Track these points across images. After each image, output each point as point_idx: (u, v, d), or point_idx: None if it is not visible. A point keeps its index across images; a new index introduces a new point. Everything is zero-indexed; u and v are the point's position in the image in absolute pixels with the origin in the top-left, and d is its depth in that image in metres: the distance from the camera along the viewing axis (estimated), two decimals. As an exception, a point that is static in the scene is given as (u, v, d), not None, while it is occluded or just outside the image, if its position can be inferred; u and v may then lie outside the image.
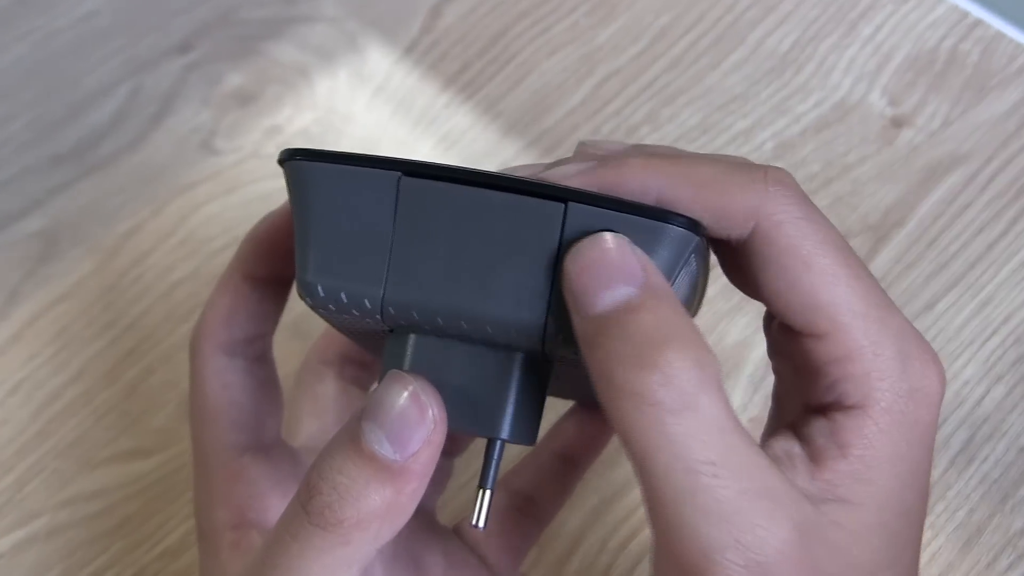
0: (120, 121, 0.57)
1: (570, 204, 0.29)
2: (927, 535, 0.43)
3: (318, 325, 0.40)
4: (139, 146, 0.56)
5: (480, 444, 0.47)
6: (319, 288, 0.30)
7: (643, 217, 0.29)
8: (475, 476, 0.47)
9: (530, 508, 0.42)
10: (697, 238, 0.30)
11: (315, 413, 0.42)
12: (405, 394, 0.29)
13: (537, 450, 0.43)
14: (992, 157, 0.52)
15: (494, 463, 0.32)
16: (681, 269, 0.30)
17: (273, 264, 0.38)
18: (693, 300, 0.36)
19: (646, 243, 0.29)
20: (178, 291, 0.52)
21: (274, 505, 0.37)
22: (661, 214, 0.29)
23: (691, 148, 0.53)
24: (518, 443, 0.32)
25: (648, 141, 0.54)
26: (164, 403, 0.49)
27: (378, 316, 0.30)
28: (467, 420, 0.31)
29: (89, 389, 0.50)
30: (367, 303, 0.30)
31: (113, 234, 0.53)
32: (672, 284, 0.30)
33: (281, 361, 0.40)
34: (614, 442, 0.47)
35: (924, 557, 0.43)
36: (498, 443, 0.31)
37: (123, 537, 0.46)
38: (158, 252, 0.53)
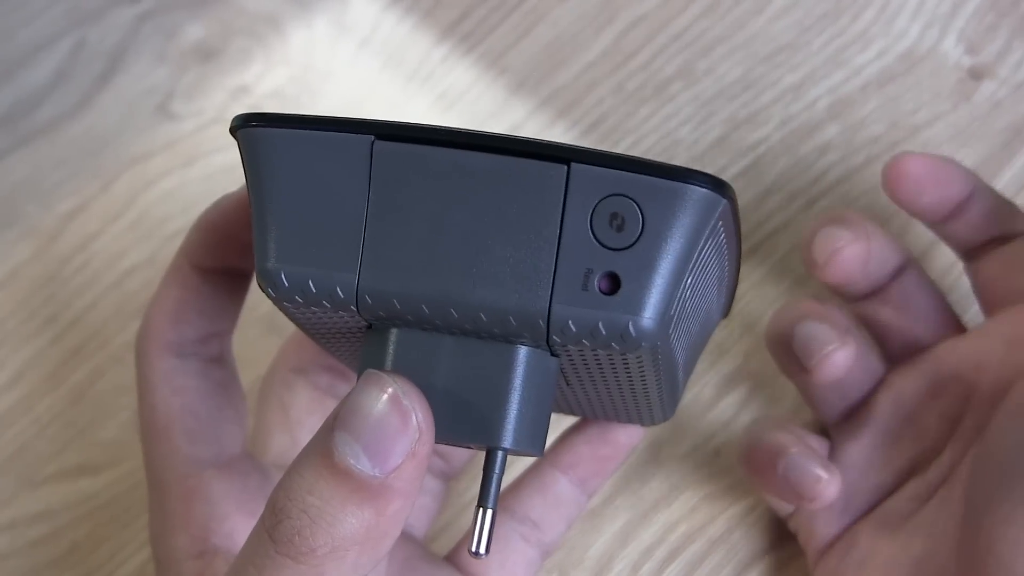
0: (61, 82, 0.57)
1: (573, 165, 0.29)
2: None
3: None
4: (83, 111, 0.56)
5: (478, 462, 0.48)
6: (282, 277, 0.30)
7: (658, 177, 0.29)
8: (474, 499, 0.48)
9: (533, 533, 0.43)
10: (724, 200, 0.30)
11: (286, 426, 0.43)
12: (384, 398, 0.29)
13: (538, 468, 0.44)
14: (1088, 113, 0.52)
15: (495, 478, 0.32)
16: (707, 240, 0.30)
17: (227, 255, 0.39)
18: (724, 277, 0.36)
19: (663, 208, 0.29)
20: (130, 281, 0.52)
21: (240, 527, 0.38)
22: (680, 172, 0.29)
23: (732, 106, 0.54)
24: (523, 454, 0.32)
25: (681, 99, 0.54)
26: (115, 411, 0.50)
27: (353, 307, 0.30)
28: (461, 429, 0.31)
29: (29, 395, 0.50)
30: (339, 292, 0.30)
31: (53, 215, 0.54)
32: (696, 258, 0.30)
33: (254, 361, 0.40)
34: (642, 455, 0.48)
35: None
36: (499, 454, 0.31)
37: (71, 567, 0.47)
38: (106, 235, 0.53)
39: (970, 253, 0.45)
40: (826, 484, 0.41)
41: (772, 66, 0.55)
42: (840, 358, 0.41)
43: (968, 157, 0.52)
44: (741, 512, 0.47)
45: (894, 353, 0.45)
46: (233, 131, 0.32)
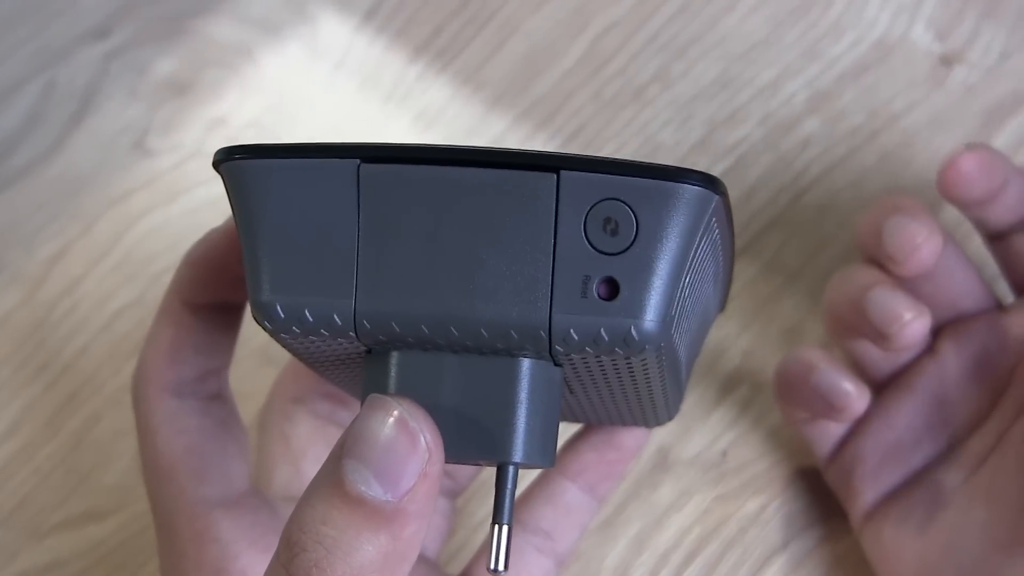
0: (33, 124, 0.57)
1: (562, 173, 0.29)
2: None
3: (291, 348, 0.41)
4: (58, 153, 0.56)
5: (483, 479, 0.48)
6: (278, 308, 0.30)
7: (649, 178, 0.29)
8: (490, 513, 0.48)
9: (547, 544, 0.43)
10: (716, 196, 0.29)
11: (288, 457, 0.42)
12: (390, 421, 0.29)
13: (546, 478, 0.44)
14: (1063, 92, 0.52)
15: (508, 493, 0.31)
16: (702, 237, 0.30)
17: (218, 289, 0.38)
18: (720, 273, 0.36)
19: (656, 209, 0.29)
20: (120, 322, 0.52)
21: (254, 565, 0.38)
22: (670, 172, 0.29)
23: (710, 107, 0.54)
24: (534, 466, 0.32)
25: (659, 102, 0.54)
26: (116, 455, 0.49)
27: (351, 333, 0.30)
28: (470, 447, 0.31)
29: (27, 444, 0.50)
30: (337, 319, 0.30)
31: (37, 260, 0.54)
32: (693, 256, 0.30)
33: (251, 395, 0.40)
34: (651, 460, 0.47)
35: None
36: (510, 469, 0.31)
37: (84, 617, 0.47)
38: (92, 278, 0.53)
39: (998, 233, 0.46)
40: (855, 397, 0.43)
41: (747, 64, 0.55)
42: (918, 327, 0.42)
43: (947, 142, 0.52)
44: (754, 511, 0.47)
45: (937, 322, 0.45)
46: (216, 165, 0.31)
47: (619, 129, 0.54)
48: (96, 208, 0.55)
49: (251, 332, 0.39)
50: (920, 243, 0.43)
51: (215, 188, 0.53)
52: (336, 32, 0.58)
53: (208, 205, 0.54)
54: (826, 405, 0.43)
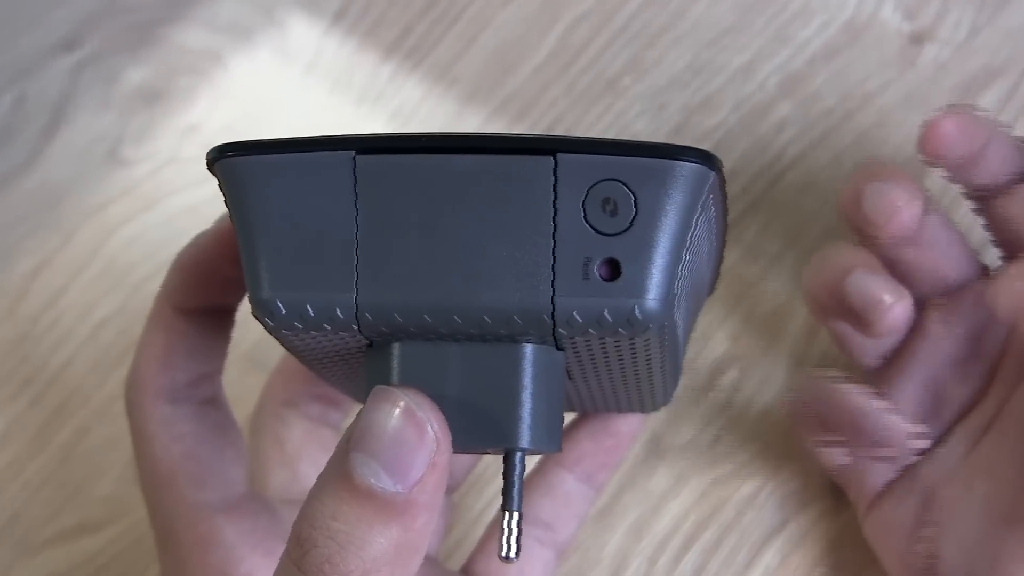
0: (6, 139, 0.56)
1: (559, 155, 0.29)
2: None
3: (278, 353, 0.41)
4: (33, 166, 0.56)
5: (478, 472, 0.48)
6: (279, 305, 0.30)
7: (646, 157, 0.29)
8: (487, 507, 0.48)
9: (547, 535, 0.43)
10: (713, 173, 0.29)
11: (283, 461, 0.42)
12: (396, 412, 0.29)
13: (543, 468, 0.44)
14: (1033, 66, 0.53)
15: (516, 479, 0.31)
16: (700, 215, 0.30)
17: (209, 293, 0.38)
18: (713, 253, 0.36)
19: (654, 188, 0.29)
20: (104, 333, 0.52)
21: (258, 569, 0.38)
22: (667, 150, 0.29)
23: (684, 94, 0.54)
24: (541, 451, 0.32)
25: (633, 92, 0.54)
26: (107, 466, 0.49)
27: (354, 326, 0.30)
28: (476, 434, 0.31)
29: (16, 459, 0.50)
30: (339, 312, 0.30)
31: (17, 274, 0.53)
32: (692, 233, 0.30)
33: (239, 399, 0.40)
34: (644, 449, 0.48)
35: None
36: (518, 455, 0.31)
37: (85, 629, 0.47)
38: (74, 289, 0.53)
39: (983, 195, 0.45)
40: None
41: (719, 50, 0.55)
42: (900, 312, 0.41)
43: (921, 120, 0.51)
44: (749, 494, 0.47)
45: (922, 295, 0.45)
46: (210, 164, 0.31)
47: (594, 120, 0.54)
48: (74, 219, 0.54)
49: (238, 337, 0.40)
50: (900, 206, 0.42)
51: (192, 195, 0.54)
52: (306, 35, 0.58)
53: (186, 212, 0.54)
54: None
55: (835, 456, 0.45)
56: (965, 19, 0.54)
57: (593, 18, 0.56)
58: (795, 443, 0.47)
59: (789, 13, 0.55)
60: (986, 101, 0.52)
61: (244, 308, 0.39)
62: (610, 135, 0.54)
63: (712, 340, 0.49)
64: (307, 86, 0.57)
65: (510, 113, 0.55)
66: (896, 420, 0.42)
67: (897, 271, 0.44)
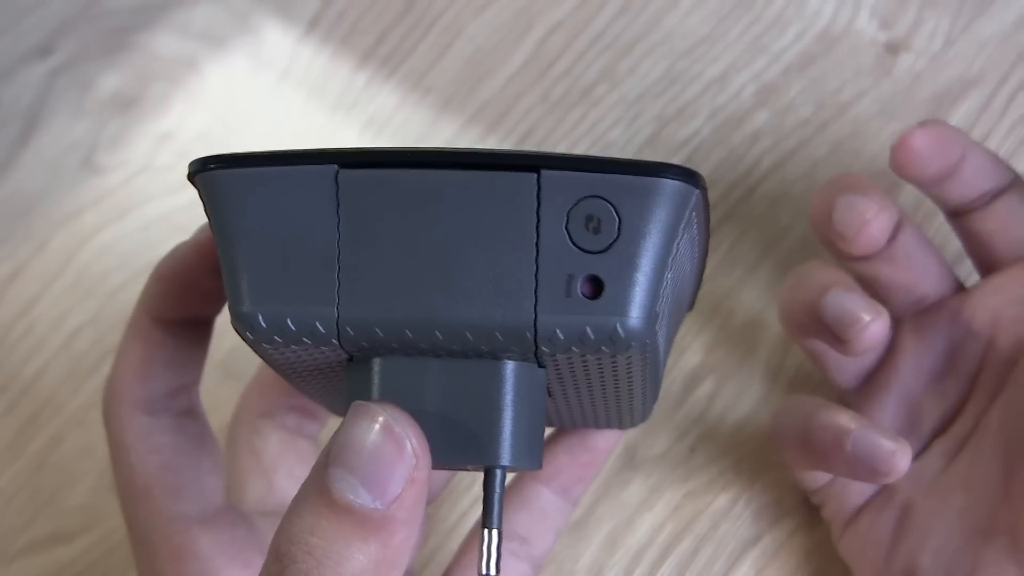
0: (-22, 146, 0.56)
1: (543, 172, 0.29)
2: None
3: (253, 362, 0.40)
4: (6, 173, 0.56)
5: (452, 485, 0.48)
6: (259, 318, 0.30)
7: (630, 174, 0.29)
8: (461, 518, 0.48)
9: (523, 549, 0.43)
10: (697, 190, 0.29)
11: (260, 472, 0.42)
12: (375, 428, 0.29)
13: (519, 483, 0.44)
14: (1007, 76, 0.53)
15: (496, 497, 0.31)
16: (683, 232, 0.30)
17: (188, 304, 0.38)
18: (695, 270, 0.36)
19: (638, 206, 0.29)
20: (78, 341, 0.52)
21: (235, 582, 0.38)
22: (650, 167, 0.29)
23: (659, 104, 0.54)
24: (521, 468, 0.32)
25: (607, 101, 0.54)
26: (81, 475, 0.49)
27: (335, 341, 0.30)
28: (456, 451, 0.31)
29: (-11, 470, 0.49)
30: (319, 327, 0.30)
31: (-11, 282, 0.53)
32: (675, 251, 0.30)
33: (214, 409, 0.40)
34: (619, 460, 0.48)
35: None
36: (498, 473, 0.31)
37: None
38: (47, 298, 0.53)
39: (958, 210, 0.45)
40: (900, 455, 0.40)
41: (693, 60, 0.55)
42: (877, 329, 0.41)
43: (896, 130, 0.52)
44: (725, 505, 0.47)
45: (897, 312, 0.45)
46: (191, 176, 0.31)
47: (569, 129, 0.54)
48: (47, 227, 0.54)
49: (212, 346, 0.40)
50: (869, 219, 0.42)
51: (166, 203, 0.53)
52: (280, 42, 0.58)
53: (160, 220, 0.53)
54: (868, 470, 0.40)
55: (816, 475, 0.45)
56: (940, 29, 0.54)
57: (568, 27, 0.56)
58: (770, 455, 0.47)
59: (764, 23, 0.55)
60: (961, 111, 0.52)
61: (219, 318, 0.39)
62: (585, 144, 0.54)
63: (687, 351, 0.50)
64: (282, 93, 0.56)
65: (485, 121, 0.55)
66: (879, 439, 0.41)
67: (872, 288, 0.44)
